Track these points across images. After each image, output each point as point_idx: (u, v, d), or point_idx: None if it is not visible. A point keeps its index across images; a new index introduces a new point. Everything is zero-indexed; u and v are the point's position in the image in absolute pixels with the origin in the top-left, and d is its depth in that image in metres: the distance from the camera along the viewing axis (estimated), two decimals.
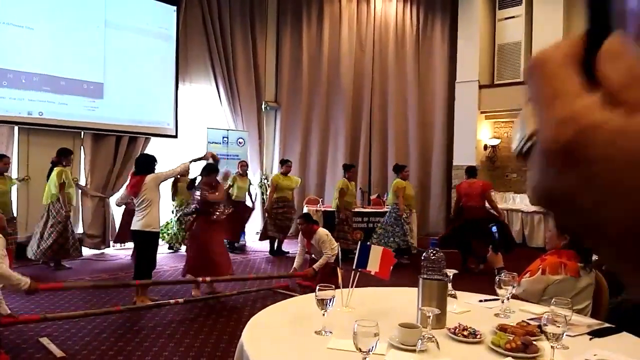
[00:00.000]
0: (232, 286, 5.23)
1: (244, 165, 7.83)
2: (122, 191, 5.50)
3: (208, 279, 4.70)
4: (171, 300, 4.42)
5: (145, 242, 4.66)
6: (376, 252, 2.17)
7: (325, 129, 10.11)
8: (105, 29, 7.61)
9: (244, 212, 7.79)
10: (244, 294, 5.07)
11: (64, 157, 5.96)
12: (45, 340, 3.57)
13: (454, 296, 2.25)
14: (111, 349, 3.52)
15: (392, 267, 2.25)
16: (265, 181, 9.58)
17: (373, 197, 8.59)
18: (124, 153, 7.72)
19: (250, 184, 8.06)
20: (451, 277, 2.13)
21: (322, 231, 5.09)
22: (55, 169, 5.86)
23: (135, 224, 4.60)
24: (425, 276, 1.90)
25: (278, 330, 1.80)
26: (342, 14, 10.05)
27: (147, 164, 4.73)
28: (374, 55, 10.07)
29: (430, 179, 9.88)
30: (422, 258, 1.94)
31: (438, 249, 1.96)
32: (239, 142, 9.19)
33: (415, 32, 9.93)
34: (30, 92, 6.84)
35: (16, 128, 6.87)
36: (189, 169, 5.30)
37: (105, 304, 4.55)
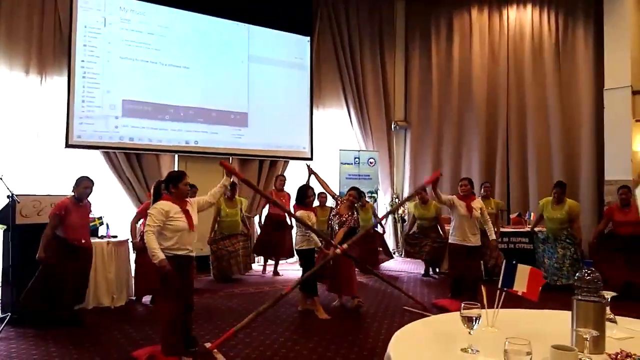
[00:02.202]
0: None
1: (364, 199, 7.48)
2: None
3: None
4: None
5: (306, 258, 5.26)
6: (523, 272, 2.10)
7: (458, 146, 9.85)
8: (249, 63, 8.37)
9: (373, 242, 7.70)
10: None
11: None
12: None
13: (614, 321, 2.07)
14: (261, 358, 3.80)
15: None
16: (397, 200, 9.61)
17: (513, 215, 8.12)
18: (266, 175, 8.35)
19: (374, 212, 8.00)
20: (609, 299, 1.98)
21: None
22: (239, 198, 6.91)
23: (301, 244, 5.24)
24: (579, 297, 1.80)
25: (423, 345, 1.84)
26: (473, 27, 9.81)
27: (302, 196, 5.36)
28: (509, 66, 9.63)
29: (578, 197, 9.04)
30: (576, 278, 1.85)
31: (593, 269, 1.84)
32: (370, 162, 9.37)
33: (554, 39, 9.30)
34: (188, 123, 7.76)
35: (176, 156, 7.84)
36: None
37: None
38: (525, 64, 9.46)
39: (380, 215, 8.02)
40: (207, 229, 6.65)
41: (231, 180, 4.15)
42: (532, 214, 8.05)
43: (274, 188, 7.36)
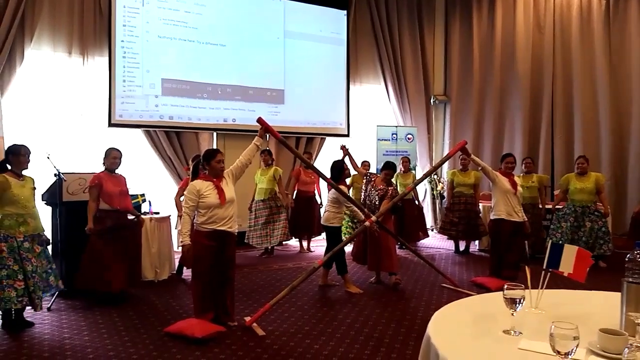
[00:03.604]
0: (400, 277, 5.48)
1: (406, 162, 7.75)
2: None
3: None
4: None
5: (334, 235, 5.28)
6: (570, 252, 2.01)
7: (500, 121, 9.56)
8: (285, 40, 8.31)
9: (412, 210, 7.66)
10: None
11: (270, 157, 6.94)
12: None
13: None
14: (299, 332, 3.86)
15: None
16: (435, 177, 9.46)
17: (557, 192, 7.84)
18: (303, 152, 8.34)
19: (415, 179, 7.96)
20: None
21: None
22: (273, 167, 6.88)
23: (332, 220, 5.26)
24: (630, 279, 1.72)
25: (463, 326, 1.80)
26: None
27: (338, 171, 5.31)
28: (555, 37, 9.19)
29: (627, 173, 8.65)
30: (627, 259, 1.76)
31: None
32: (408, 138, 9.23)
33: (604, 7, 8.78)
34: (225, 101, 7.81)
35: (215, 134, 7.92)
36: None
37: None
38: (573, 34, 9.01)
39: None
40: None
41: (266, 140, 4.19)
42: (554, 193, 7.83)
43: (302, 166, 7.39)
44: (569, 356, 1.28)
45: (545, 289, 2.07)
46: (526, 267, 2.11)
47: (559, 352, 1.28)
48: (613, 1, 8.73)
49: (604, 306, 1.96)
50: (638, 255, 1.74)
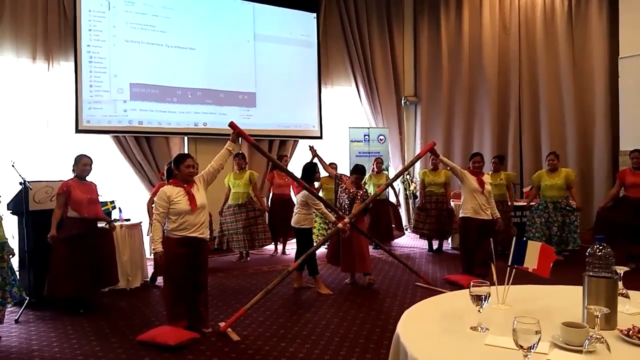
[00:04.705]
0: (374, 277, 5.56)
1: (379, 163, 7.78)
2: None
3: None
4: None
5: (305, 237, 5.33)
6: (534, 248, 2.07)
7: (469, 120, 9.73)
8: (255, 42, 8.29)
9: (387, 217, 7.73)
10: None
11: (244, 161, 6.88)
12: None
13: (626, 296, 2.05)
14: (275, 336, 3.86)
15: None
16: (407, 177, 9.56)
17: (526, 189, 8.05)
18: (276, 155, 8.32)
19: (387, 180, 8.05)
20: (622, 274, 1.95)
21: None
22: (248, 171, 6.82)
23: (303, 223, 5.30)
24: (591, 273, 1.78)
25: (432, 324, 1.83)
26: None
27: (309, 173, 5.36)
28: (520, 37, 9.41)
29: (592, 168, 8.92)
30: (587, 254, 1.82)
31: (605, 244, 1.81)
32: (380, 139, 9.30)
33: (566, 8, 9.04)
34: (196, 105, 7.74)
35: (186, 138, 7.84)
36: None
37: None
38: (537, 34, 9.25)
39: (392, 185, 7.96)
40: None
41: (238, 144, 4.18)
42: (523, 190, 8.06)
43: (276, 169, 7.37)
44: (532, 350, 1.32)
45: (513, 284, 2.13)
46: (492, 265, 2.16)
47: (522, 347, 1.32)
48: (575, 2, 8.99)
49: (568, 300, 2.02)
50: (598, 250, 1.81)
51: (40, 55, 6.71)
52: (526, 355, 1.33)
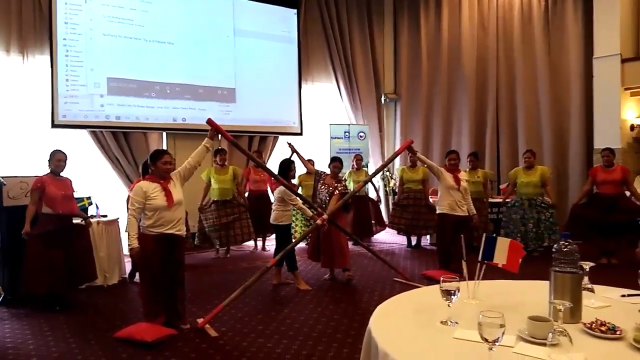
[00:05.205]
0: (353, 272, 5.62)
1: (359, 160, 7.86)
2: None
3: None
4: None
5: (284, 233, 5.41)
6: (503, 244, 2.13)
7: (448, 117, 9.84)
8: (235, 38, 8.24)
9: (367, 212, 7.83)
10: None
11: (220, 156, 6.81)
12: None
13: (591, 290, 2.12)
14: (253, 332, 3.87)
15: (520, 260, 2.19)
16: (387, 173, 9.64)
17: (503, 186, 8.18)
18: (255, 152, 8.31)
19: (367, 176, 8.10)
20: (587, 269, 2.02)
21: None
22: (231, 167, 6.82)
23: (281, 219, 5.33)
24: (557, 269, 1.84)
25: (404, 318, 1.87)
26: None
27: (285, 169, 5.34)
28: (498, 36, 9.54)
29: (568, 165, 9.10)
30: (553, 250, 1.88)
31: (570, 240, 1.87)
32: (360, 136, 9.36)
33: (543, 8, 9.19)
34: (175, 100, 7.67)
35: (164, 134, 7.77)
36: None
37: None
38: (515, 34, 9.38)
39: (372, 181, 8.01)
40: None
41: (216, 139, 4.21)
42: (500, 187, 8.22)
43: (252, 165, 7.38)
44: (497, 343, 1.37)
45: (486, 280, 2.18)
46: (462, 261, 2.21)
47: (487, 340, 1.36)
48: (552, 2, 9.14)
49: (537, 295, 2.08)
50: (564, 246, 1.87)
51: (15, 48, 6.58)
52: (491, 348, 1.37)
